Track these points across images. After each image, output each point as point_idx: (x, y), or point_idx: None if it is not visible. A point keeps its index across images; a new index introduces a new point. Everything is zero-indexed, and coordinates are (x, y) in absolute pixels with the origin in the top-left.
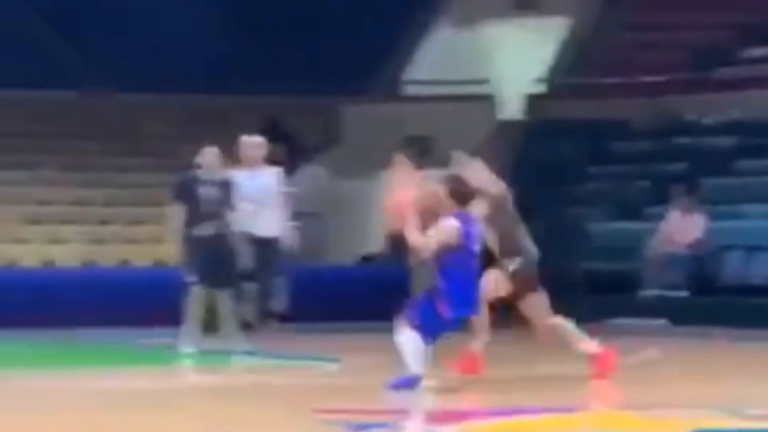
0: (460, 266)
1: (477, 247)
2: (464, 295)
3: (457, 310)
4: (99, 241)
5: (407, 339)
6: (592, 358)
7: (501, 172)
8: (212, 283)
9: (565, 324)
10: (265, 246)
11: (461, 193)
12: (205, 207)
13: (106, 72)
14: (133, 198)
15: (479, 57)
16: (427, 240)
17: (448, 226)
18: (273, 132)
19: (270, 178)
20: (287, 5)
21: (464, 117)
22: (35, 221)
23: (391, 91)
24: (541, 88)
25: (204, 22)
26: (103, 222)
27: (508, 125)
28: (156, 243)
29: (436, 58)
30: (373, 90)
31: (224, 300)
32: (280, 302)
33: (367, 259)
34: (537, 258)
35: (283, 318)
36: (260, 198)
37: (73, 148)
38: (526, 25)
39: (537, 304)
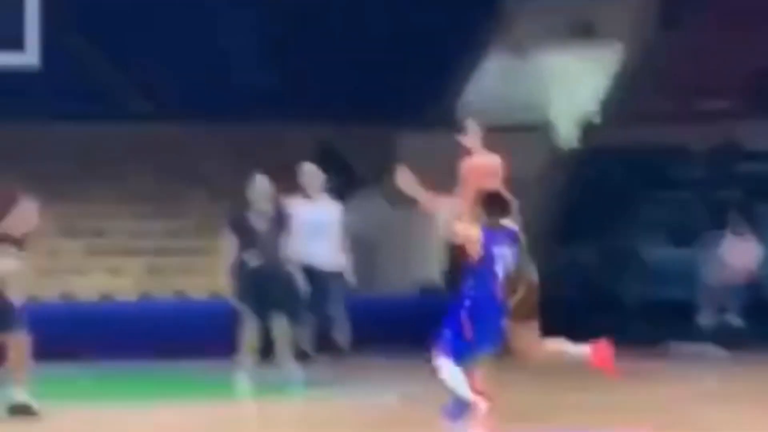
0: (483, 288)
1: (499, 270)
2: (486, 326)
3: (480, 342)
4: (156, 272)
5: (445, 371)
6: (590, 354)
7: (558, 200)
8: (264, 313)
9: (557, 343)
10: (322, 276)
11: (491, 202)
12: (256, 237)
13: (163, 103)
14: (190, 229)
15: (535, 86)
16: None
17: (470, 231)
18: (328, 160)
19: (329, 208)
20: (342, 33)
21: (520, 146)
22: (93, 253)
23: (447, 120)
24: (596, 116)
25: (259, 51)
26: (160, 253)
27: (563, 153)
28: (213, 274)
29: (492, 88)
30: (429, 118)
31: (278, 330)
32: (344, 336)
33: (424, 289)
34: (537, 285)
35: (335, 346)
36: (318, 228)
37: (130, 180)
38: (582, 53)
39: (532, 332)
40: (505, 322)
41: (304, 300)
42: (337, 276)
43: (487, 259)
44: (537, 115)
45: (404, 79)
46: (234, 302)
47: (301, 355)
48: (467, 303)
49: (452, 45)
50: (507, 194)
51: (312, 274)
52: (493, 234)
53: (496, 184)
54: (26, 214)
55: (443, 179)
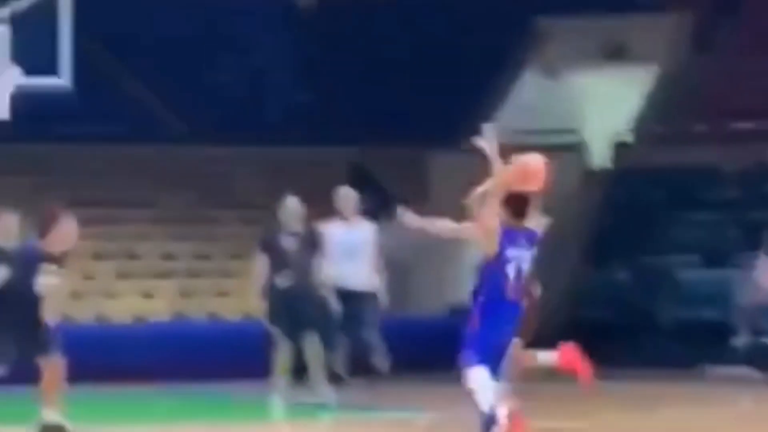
0: (493, 287)
1: (510, 271)
2: (496, 325)
3: (488, 338)
4: (189, 294)
5: (474, 380)
6: (558, 358)
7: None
8: (295, 334)
9: (531, 353)
10: (356, 299)
11: (514, 202)
12: (287, 258)
13: (195, 125)
14: (223, 251)
15: (567, 106)
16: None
17: (491, 222)
18: (361, 182)
19: (364, 229)
20: (375, 55)
21: (553, 167)
22: (126, 275)
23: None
24: (629, 136)
25: (292, 73)
26: (193, 275)
27: (596, 174)
28: (245, 296)
29: (525, 108)
30: (462, 140)
31: (310, 352)
32: (382, 359)
33: (456, 310)
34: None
35: (374, 371)
36: (353, 249)
37: (163, 201)
38: (614, 74)
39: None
40: (516, 325)
41: (337, 322)
42: (371, 297)
43: (501, 259)
44: (570, 135)
45: (437, 99)
46: (266, 324)
47: (335, 378)
48: (480, 299)
49: (485, 65)
50: (533, 197)
51: (346, 295)
52: (511, 234)
53: (538, 187)
54: (66, 231)
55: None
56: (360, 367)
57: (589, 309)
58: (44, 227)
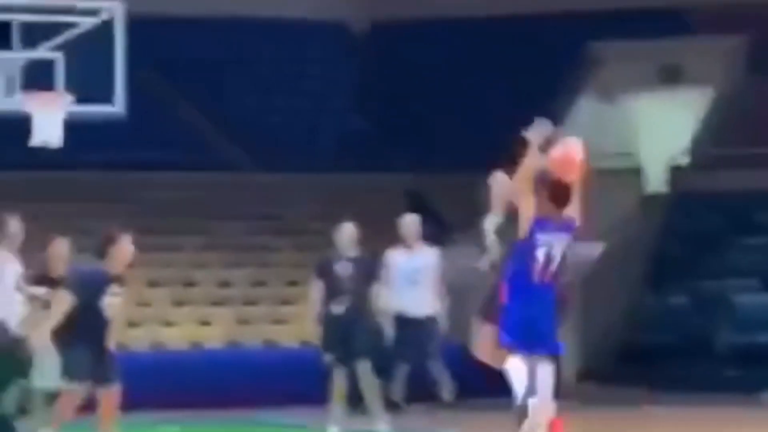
0: (520, 270)
1: (540, 255)
2: (522, 309)
3: (511, 335)
4: (245, 321)
5: (508, 364)
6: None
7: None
8: (349, 361)
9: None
10: (418, 326)
11: (555, 189)
12: (341, 284)
13: (250, 151)
14: (279, 278)
15: (623, 130)
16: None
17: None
18: (417, 208)
19: (427, 256)
20: (430, 81)
21: (609, 190)
22: (182, 303)
23: None
24: (685, 160)
25: (347, 100)
26: (249, 302)
27: (653, 198)
28: (302, 323)
29: (581, 132)
30: (517, 165)
31: (364, 379)
32: (447, 388)
33: None
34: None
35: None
36: (416, 277)
37: (218, 228)
38: (670, 97)
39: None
40: (548, 309)
41: (392, 349)
42: (433, 323)
43: (531, 241)
44: (626, 159)
45: (492, 124)
46: (321, 351)
47: (392, 405)
48: (508, 280)
49: (540, 90)
50: (573, 186)
51: (408, 322)
52: (544, 221)
53: (577, 176)
54: (125, 251)
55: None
56: (421, 394)
57: (646, 333)
58: (104, 248)
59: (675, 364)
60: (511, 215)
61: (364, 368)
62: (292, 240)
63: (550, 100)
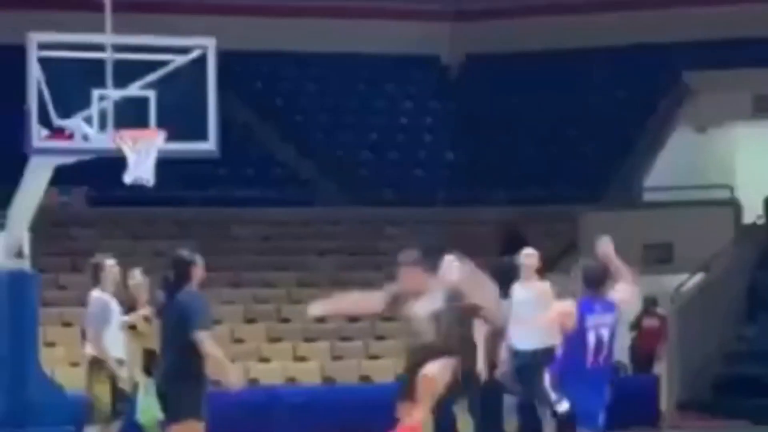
0: (572, 357)
1: (591, 339)
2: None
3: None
4: (339, 357)
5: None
6: None
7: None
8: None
9: None
10: (524, 358)
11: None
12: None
13: (345, 187)
14: (374, 313)
15: (719, 161)
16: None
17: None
18: (512, 241)
19: (536, 289)
20: (523, 115)
21: (705, 222)
22: (277, 338)
23: (630, 199)
24: None
25: (441, 134)
26: (344, 338)
27: (749, 229)
28: (397, 358)
29: (676, 164)
30: (611, 197)
31: (460, 412)
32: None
33: (615, 368)
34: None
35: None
36: (523, 310)
37: (312, 264)
38: (765, 127)
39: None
40: (603, 394)
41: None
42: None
43: (580, 330)
44: (722, 191)
45: (586, 158)
46: None
47: None
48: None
49: (635, 122)
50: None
51: (516, 355)
52: (590, 303)
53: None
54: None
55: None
56: (529, 429)
57: (743, 365)
58: (183, 275)
59: None
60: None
61: (457, 405)
62: (387, 274)
63: (645, 131)
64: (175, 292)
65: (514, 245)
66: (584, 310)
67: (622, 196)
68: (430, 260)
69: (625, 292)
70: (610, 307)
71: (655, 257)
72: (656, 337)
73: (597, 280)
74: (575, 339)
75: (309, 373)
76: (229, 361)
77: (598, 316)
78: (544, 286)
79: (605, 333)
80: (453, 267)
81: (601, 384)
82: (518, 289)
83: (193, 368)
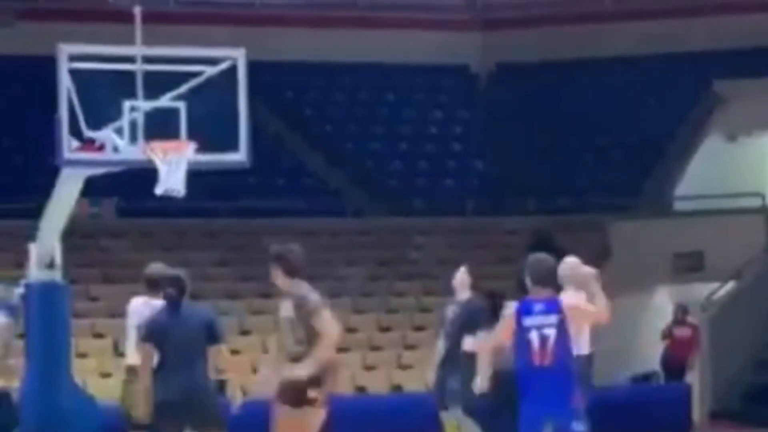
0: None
1: (534, 339)
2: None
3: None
4: (370, 366)
5: None
6: None
7: None
8: (443, 406)
9: None
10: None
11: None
12: (446, 328)
13: (375, 196)
14: (404, 323)
15: (749, 170)
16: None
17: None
18: (543, 250)
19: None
20: (552, 124)
21: (735, 231)
22: None
23: (660, 207)
24: None
25: (470, 144)
26: (375, 347)
27: None
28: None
29: (706, 172)
30: (642, 206)
31: (462, 422)
32: None
33: (638, 378)
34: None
35: None
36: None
37: (343, 274)
38: None
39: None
40: (564, 399)
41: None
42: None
43: (519, 332)
44: (754, 198)
45: (616, 166)
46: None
47: None
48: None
49: (666, 131)
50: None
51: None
52: (529, 304)
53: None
54: None
55: (655, 265)
56: None
57: None
58: (183, 290)
59: None
60: None
61: (456, 414)
62: (418, 284)
63: (676, 140)
64: (178, 307)
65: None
66: (521, 311)
67: (652, 205)
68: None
69: (574, 298)
70: (553, 307)
71: (686, 266)
72: (688, 346)
73: (541, 278)
74: (518, 341)
75: (340, 383)
76: (255, 372)
77: (540, 317)
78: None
79: (550, 333)
80: (463, 277)
81: (557, 387)
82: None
83: (212, 379)
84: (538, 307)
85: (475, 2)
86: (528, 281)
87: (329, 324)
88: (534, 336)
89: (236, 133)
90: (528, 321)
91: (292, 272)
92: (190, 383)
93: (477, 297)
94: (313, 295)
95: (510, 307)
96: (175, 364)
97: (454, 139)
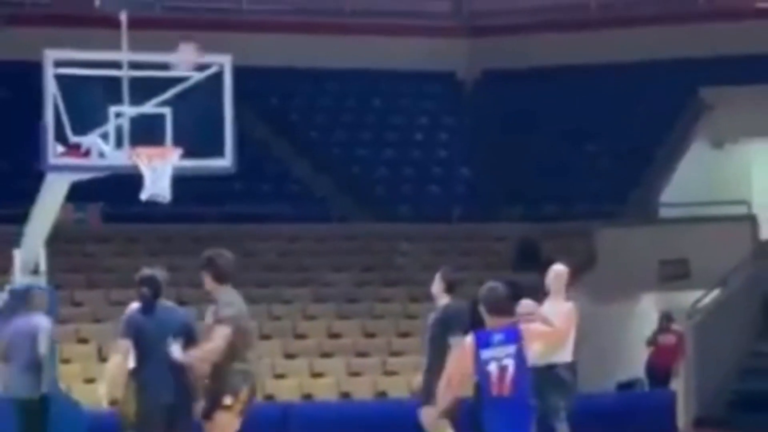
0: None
1: (492, 370)
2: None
3: None
4: (356, 373)
5: None
6: None
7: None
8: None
9: None
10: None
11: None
12: (426, 334)
13: (360, 203)
14: (390, 329)
15: (736, 177)
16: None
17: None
18: (528, 257)
19: (563, 307)
20: (538, 131)
21: (721, 239)
22: (293, 355)
23: (646, 214)
24: None
25: (456, 150)
26: (360, 354)
27: (766, 245)
28: (414, 374)
29: (692, 180)
30: (628, 213)
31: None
32: None
33: (623, 385)
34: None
35: None
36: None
37: (329, 280)
38: None
39: None
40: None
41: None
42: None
43: (477, 364)
44: (739, 206)
45: (602, 173)
46: None
47: None
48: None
49: (651, 138)
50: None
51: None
52: (487, 336)
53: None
54: None
55: (641, 272)
56: None
57: (760, 381)
58: (158, 291)
59: None
60: None
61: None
62: (403, 290)
63: (662, 147)
64: (153, 307)
65: (528, 257)
66: (480, 344)
67: (638, 212)
68: None
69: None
70: (512, 336)
71: (672, 273)
72: (673, 353)
73: (498, 308)
74: (477, 372)
75: (325, 389)
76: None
77: (498, 348)
78: (569, 304)
79: (509, 363)
80: (438, 284)
81: (516, 417)
82: (547, 305)
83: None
84: (497, 338)
85: (461, 9)
86: (484, 312)
87: (218, 337)
88: (493, 367)
89: (222, 138)
90: (487, 353)
91: (220, 278)
92: (175, 384)
93: (455, 301)
94: (229, 309)
95: (465, 339)
96: (151, 364)
97: (440, 145)
